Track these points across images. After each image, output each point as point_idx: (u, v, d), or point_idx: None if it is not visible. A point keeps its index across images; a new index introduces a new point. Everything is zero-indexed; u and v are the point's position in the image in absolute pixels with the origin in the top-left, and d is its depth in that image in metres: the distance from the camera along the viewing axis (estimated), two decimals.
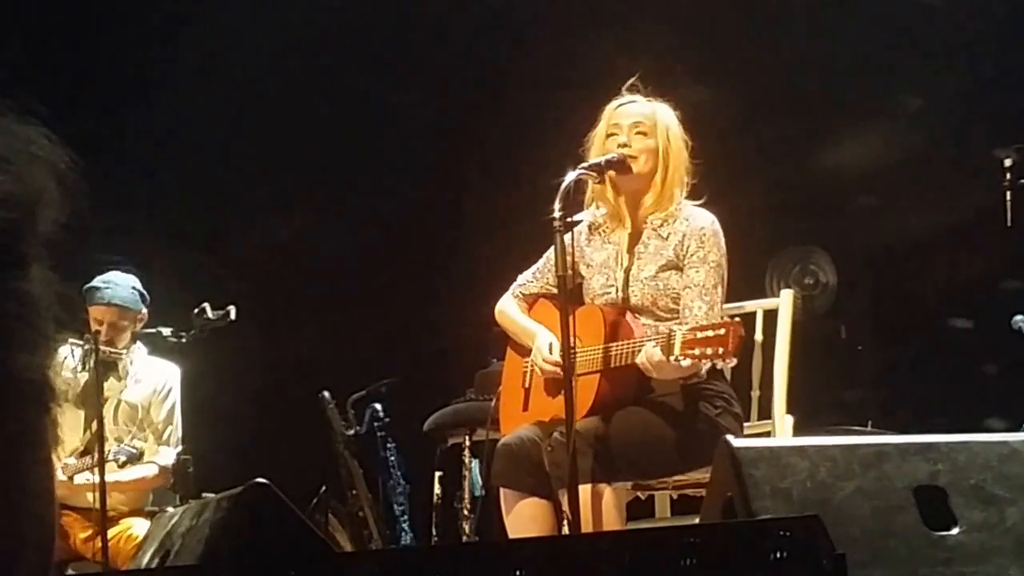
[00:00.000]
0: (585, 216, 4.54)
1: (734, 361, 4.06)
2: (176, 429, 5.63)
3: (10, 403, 0.66)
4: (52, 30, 7.02)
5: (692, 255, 4.32)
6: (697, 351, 3.95)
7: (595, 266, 4.49)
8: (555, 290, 4.38)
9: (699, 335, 3.97)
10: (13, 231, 0.66)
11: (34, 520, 0.67)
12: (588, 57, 6.50)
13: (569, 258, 4.41)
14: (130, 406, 5.57)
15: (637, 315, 4.35)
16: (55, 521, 0.69)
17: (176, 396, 5.65)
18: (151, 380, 5.61)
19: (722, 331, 3.94)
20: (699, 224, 4.35)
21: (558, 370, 4.21)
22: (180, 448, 5.55)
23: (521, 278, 4.67)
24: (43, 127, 0.71)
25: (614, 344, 4.24)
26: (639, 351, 4.14)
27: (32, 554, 0.66)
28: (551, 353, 4.35)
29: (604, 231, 4.51)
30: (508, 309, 4.65)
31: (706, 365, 4.06)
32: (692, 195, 4.46)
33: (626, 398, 4.26)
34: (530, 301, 4.64)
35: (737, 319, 4.11)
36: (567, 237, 4.27)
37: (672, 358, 4.00)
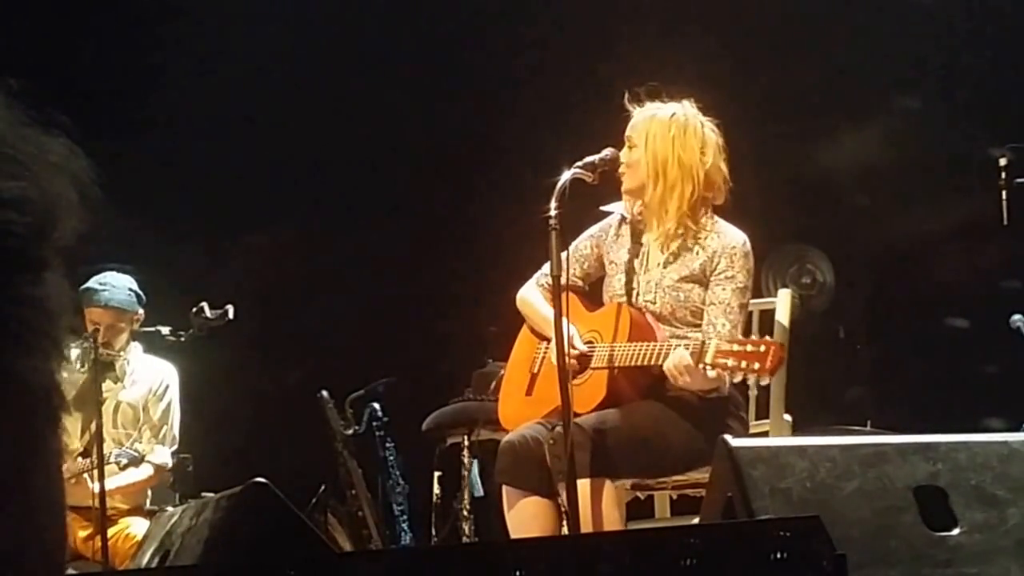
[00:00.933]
0: (618, 208, 4.51)
1: (768, 380, 4.05)
2: (172, 428, 5.62)
3: (18, 410, 0.65)
4: (49, 27, 7.01)
5: (720, 273, 4.30)
6: (730, 362, 3.94)
7: (618, 264, 4.46)
8: (580, 282, 4.41)
9: (735, 347, 3.96)
10: (28, 236, 0.66)
11: (41, 529, 0.66)
12: (589, 57, 6.50)
13: (596, 250, 4.43)
14: (130, 406, 5.57)
15: (658, 322, 4.33)
16: (65, 530, 0.69)
17: (173, 395, 5.64)
18: (148, 379, 5.61)
19: (762, 348, 3.93)
20: (731, 243, 4.32)
21: (575, 364, 4.19)
22: (175, 447, 5.54)
23: (546, 267, 4.61)
24: (69, 141, 0.71)
25: (637, 343, 4.22)
26: (663, 353, 4.12)
27: (40, 563, 0.66)
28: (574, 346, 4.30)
29: (635, 229, 4.48)
30: (531, 298, 4.60)
31: (737, 378, 4.04)
32: (717, 211, 4.43)
33: (636, 395, 4.25)
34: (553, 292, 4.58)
35: (782, 342, 4.06)
36: (598, 227, 4.25)
37: (701, 365, 3.99)
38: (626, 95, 4.42)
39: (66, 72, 6.66)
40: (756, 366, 3.90)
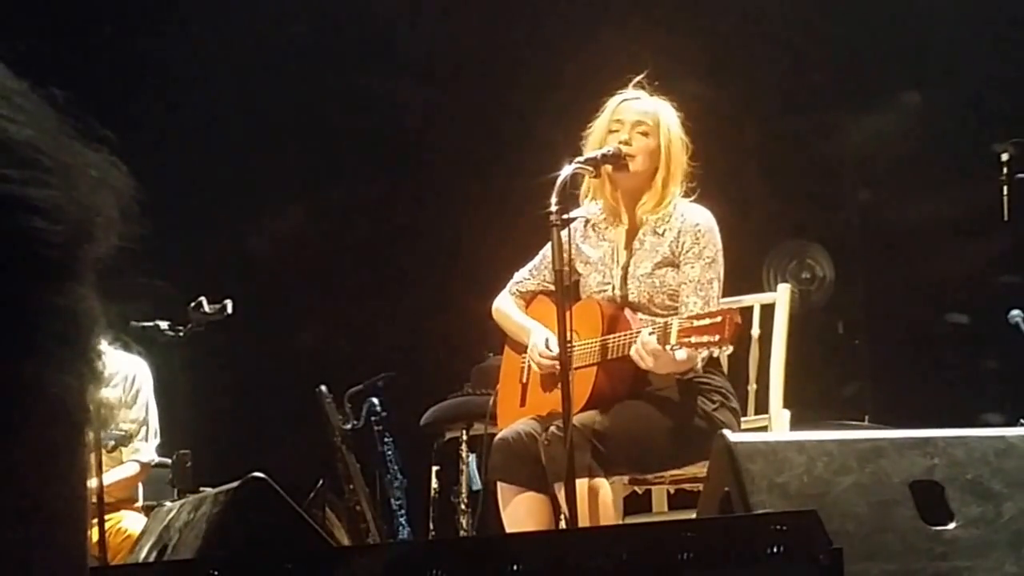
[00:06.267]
0: (581, 212, 4.52)
1: (730, 348, 4.06)
2: (152, 423, 5.56)
3: (39, 422, 0.64)
4: (48, 21, 7.01)
5: (688, 251, 4.32)
6: (693, 339, 3.95)
7: (592, 263, 4.48)
8: (552, 287, 4.37)
9: (695, 323, 3.98)
10: (60, 244, 0.65)
11: (60, 546, 0.65)
12: (587, 51, 6.49)
13: (565, 255, 4.41)
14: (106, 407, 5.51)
15: (635, 311, 4.35)
16: (85, 547, 0.68)
17: (147, 390, 5.53)
18: (119, 379, 5.50)
19: (718, 319, 3.95)
20: (694, 220, 4.35)
21: (554, 364, 4.21)
22: (159, 440, 5.51)
23: (518, 275, 4.65)
24: (113, 157, 0.71)
25: (611, 336, 4.23)
26: (633, 342, 4.13)
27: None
28: (547, 348, 4.35)
29: (600, 228, 4.50)
30: (504, 307, 4.64)
31: (703, 354, 4.05)
32: (686, 191, 4.45)
33: (623, 391, 4.25)
34: (527, 298, 4.62)
35: (733, 307, 4.11)
36: (563, 233, 4.26)
37: (668, 347, 3.99)
38: (635, 80, 4.43)
39: (64, 64, 6.66)
40: (716, 338, 3.92)
